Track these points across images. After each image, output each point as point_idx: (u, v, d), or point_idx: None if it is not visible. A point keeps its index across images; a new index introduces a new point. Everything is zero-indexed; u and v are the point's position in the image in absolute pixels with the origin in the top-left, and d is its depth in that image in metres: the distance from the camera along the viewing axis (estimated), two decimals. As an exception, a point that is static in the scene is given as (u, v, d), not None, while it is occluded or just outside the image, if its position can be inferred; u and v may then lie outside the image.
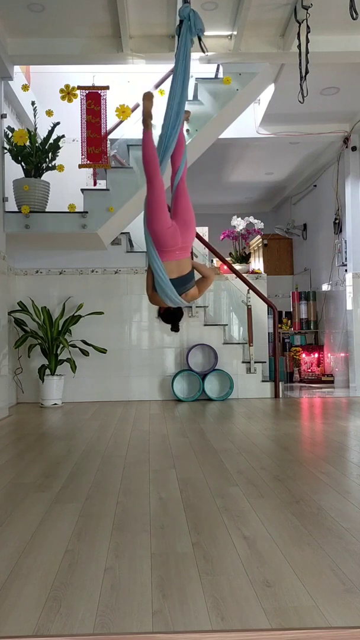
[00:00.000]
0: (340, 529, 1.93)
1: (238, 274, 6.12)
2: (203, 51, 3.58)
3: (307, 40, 4.27)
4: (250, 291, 6.05)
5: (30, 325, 5.67)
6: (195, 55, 4.76)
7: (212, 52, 4.74)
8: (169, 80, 5.33)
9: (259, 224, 6.99)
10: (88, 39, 4.74)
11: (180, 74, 3.39)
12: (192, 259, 3.33)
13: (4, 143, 5.04)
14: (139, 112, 5.47)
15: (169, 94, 3.39)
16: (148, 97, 3.30)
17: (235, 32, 4.57)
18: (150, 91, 3.29)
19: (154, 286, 3.25)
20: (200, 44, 3.52)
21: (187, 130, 5.14)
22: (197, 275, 3.29)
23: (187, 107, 5.17)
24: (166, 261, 3.14)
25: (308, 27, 4.23)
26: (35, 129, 5.17)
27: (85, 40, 4.74)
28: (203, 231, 6.24)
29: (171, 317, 3.37)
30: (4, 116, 5.06)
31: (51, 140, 5.13)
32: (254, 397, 5.91)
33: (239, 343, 6.12)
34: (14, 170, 5.21)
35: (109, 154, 5.29)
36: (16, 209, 5.15)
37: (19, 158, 5.07)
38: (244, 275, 6.21)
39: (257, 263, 9.43)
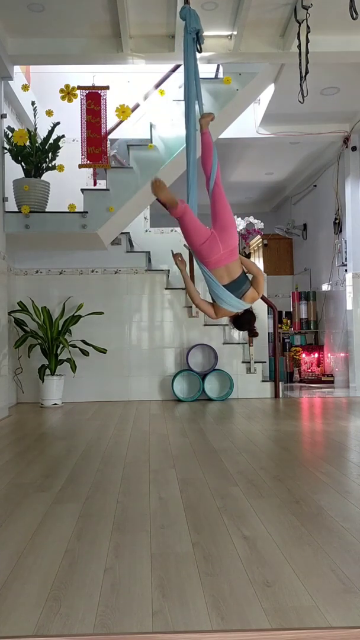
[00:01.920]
0: (340, 529, 1.93)
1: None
2: (199, 50, 3.59)
3: (307, 40, 4.27)
4: (250, 291, 6.04)
5: (30, 325, 5.67)
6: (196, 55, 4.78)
7: (212, 52, 4.75)
8: (169, 81, 5.38)
9: (259, 224, 7.00)
10: (88, 39, 4.74)
11: (190, 76, 3.39)
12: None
13: (4, 143, 5.04)
14: (138, 112, 5.52)
15: (185, 98, 3.40)
16: (157, 187, 3.14)
17: (235, 32, 4.57)
18: (158, 178, 3.14)
19: (213, 300, 3.25)
20: (195, 43, 3.53)
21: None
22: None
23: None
24: (214, 269, 3.14)
25: (308, 27, 4.24)
26: (35, 129, 5.17)
27: (85, 40, 4.74)
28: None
29: (243, 321, 3.36)
30: (4, 116, 5.06)
31: (51, 140, 5.13)
32: (254, 397, 5.91)
33: (239, 343, 6.12)
34: (14, 170, 5.21)
35: (109, 154, 5.29)
36: (16, 209, 5.15)
37: (19, 158, 5.08)
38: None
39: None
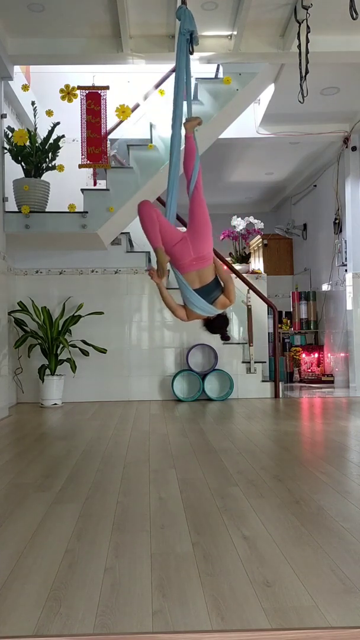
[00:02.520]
0: (340, 529, 1.93)
1: (238, 274, 6.11)
2: (190, 52, 3.58)
3: (307, 40, 4.27)
4: (250, 291, 6.05)
5: (30, 325, 5.67)
6: (195, 56, 4.77)
7: (212, 52, 4.75)
8: (169, 81, 5.37)
9: (259, 224, 6.99)
10: (88, 39, 4.74)
11: (180, 77, 3.40)
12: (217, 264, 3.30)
13: (4, 143, 5.04)
14: (138, 112, 5.52)
15: (173, 98, 3.40)
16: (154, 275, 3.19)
17: (235, 32, 4.57)
18: (158, 248, 3.17)
19: (184, 303, 3.25)
20: (188, 44, 3.53)
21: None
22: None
23: (187, 109, 5.21)
24: (185, 273, 3.15)
25: (308, 27, 4.23)
26: (35, 129, 5.17)
27: (85, 40, 4.74)
28: (203, 231, 6.23)
29: (215, 325, 3.36)
30: (4, 116, 5.06)
31: (51, 140, 5.13)
32: (254, 397, 5.91)
33: (239, 343, 6.12)
34: (14, 170, 5.21)
35: (109, 154, 5.29)
36: (16, 209, 5.15)
37: (19, 158, 5.08)
38: (244, 275, 6.21)
39: (257, 263, 9.43)
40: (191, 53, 3.64)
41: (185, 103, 3.56)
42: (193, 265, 3.17)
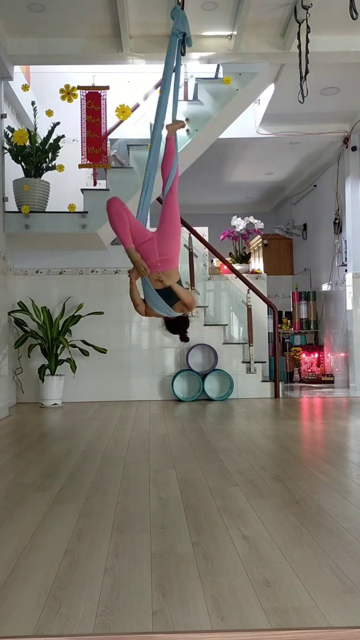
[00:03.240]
0: (340, 529, 1.93)
1: (238, 274, 6.12)
2: (182, 53, 3.59)
3: (307, 40, 4.27)
4: (250, 291, 6.05)
5: (30, 325, 5.67)
6: (195, 55, 4.78)
7: (212, 52, 4.75)
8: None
9: (259, 224, 6.99)
10: (88, 39, 4.74)
11: (167, 77, 3.41)
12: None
13: (4, 143, 5.04)
14: (138, 112, 5.51)
15: (159, 96, 3.41)
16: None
17: (235, 32, 4.57)
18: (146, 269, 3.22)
19: (145, 299, 3.31)
20: (180, 45, 3.53)
21: (188, 131, 5.14)
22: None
23: (187, 109, 5.21)
24: (149, 273, 3.20)
25: (308, 27, 4.23)
26: (35, 129, 5.17)
27: (85, 40, 4.74)
28: (203, 231, 6.24)
29: (174, 326, 3.39)
30: (4, 116, 5.06)
31: (51, 140, 5.13)
32: (254, 397, 5.91)
33: (239, 343, 6.12)
34: (14, 170, 5.21)
35: (109, 154, 5.29)
36: (16, 209, 5.15)
37: (19, 158, 5.07)
38: (244, 275, 6.21)
39: (257, 263, 9.43)
40: (183, 54, 3.64)
41: (171, 105, 3.56)
42: (157, 266, 3.23)
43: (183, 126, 3.66)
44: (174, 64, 3.54)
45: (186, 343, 5.91)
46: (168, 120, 3.57)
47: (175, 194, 3.36)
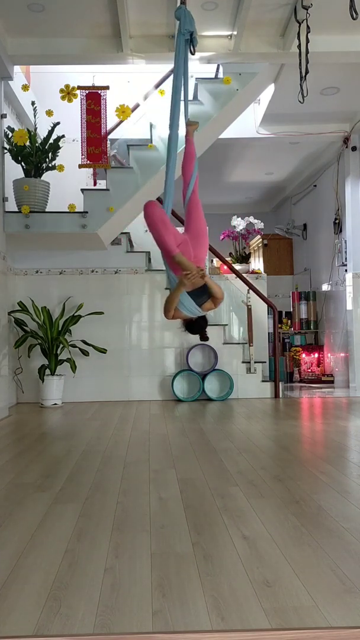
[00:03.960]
0: (340, 529, 1.93)
1: (238, 274, 6.12)
2: (191, 52, 3.58)
3: (307, 40, 4.27)
4: (250, 291, 6.05)
5: (30, 325, 5.67)
6: (195, 55, 4.76)
7: (212, 52, 4.75)
8: (169, 81, 5.37)
9: (259, 224, 6.99)
10: (88, 39, 4.74)
11: (179, 77, 3.40)
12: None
13: (4, 143, 5.04)
14: (138, 112, 5.52)
15: (172, 97, 3.41)
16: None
17: (235, 32, 4.57)
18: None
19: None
20: (188, 45, 3.52)
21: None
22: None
23: (190, 111, 5.20)
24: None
25: (308, 27, 4.23)
26: (35, 129, 5.17)
27: (85, 40, 4.74)
28: (203, 231, 6.23)
29: (196, 327, 3.37)
30: (4, 116, 5.06)
31: (51, 140, 5.13)
32: (254, 397, 5.91)
33: (239, 343, 6.12)
34: (14, 170, 5.21)
35: (109, 154, 5.29)
36: (16, 209, 5.15)
37: (19, 158, 5.07)
38: (244, 275, 6.21)
39: (257, 263, 9.43)
40: (192, 54, 3.63)
41: (182, 104, 3.56)
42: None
43: (197, 128, 3.65)
44: (184, 64, 3.53)
45: (186, 343, 5.94)
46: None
47: (197, 194, 3.36)
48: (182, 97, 3.52)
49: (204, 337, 3.44)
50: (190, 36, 3.60)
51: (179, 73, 3.50)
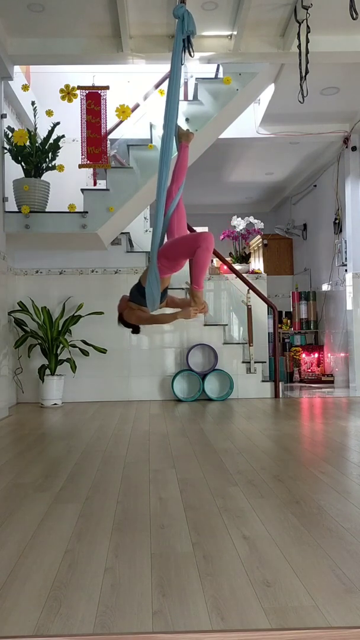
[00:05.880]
0: (341, 529, 1.93)
1: (238, 274, 6.11)
2: (190, 54, 3.56)
3: (307, 40, 4.27)
4: (250, 291, 6.05)
5: (30, 325, 5.67)
6: (195, 55, 4.76)
7: (212, 52, 4.75)
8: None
9: (259, 224, 6.99)
10: (88, 39, 4.74)
11: (177, 78, 3.38)
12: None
13: (4, 143, 5.04)
14: (138, 112, 5.52)
15: (167, 98, 3.39)
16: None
17: (235, 32, 4.57)
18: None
19: (139, 304, 3.47)
20: (188, 45, 3.51)
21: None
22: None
23: (187, 109, 5.20)
24: (163, 277, 3.33)
25: (308, 27, 4.24)
26: (35, 129, 5.17)
27: (85, 40, 4.74)
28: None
29: (134, 328, 3.73)
30: (4, 116, 5.06)
31: (51, 140, 5.13)
32: (254, 397, 5.91)
33: (239, 343, 6.12)
34: (14, 170, 5.21)
35: (109, 154, 5.29)
36: (16, 209, 5.15)
37: (19, 158, 5.07)
38: (244, 275, 6.21)
39: (257, 263, 9.43)
40: (192, 55, 3.61)
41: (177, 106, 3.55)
42: (170, 272, 3.37)
43: (192, 138, 3.68)
44: (182, 65, 3.51)
45: (186, 343, 5.94)
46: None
47: (182, 203, 3.39)
48: (180, 97, 3.51)
49: (136, 330, 3.75)
50: (187, 37, 3.58)
51: (177, 74, 3.48)
